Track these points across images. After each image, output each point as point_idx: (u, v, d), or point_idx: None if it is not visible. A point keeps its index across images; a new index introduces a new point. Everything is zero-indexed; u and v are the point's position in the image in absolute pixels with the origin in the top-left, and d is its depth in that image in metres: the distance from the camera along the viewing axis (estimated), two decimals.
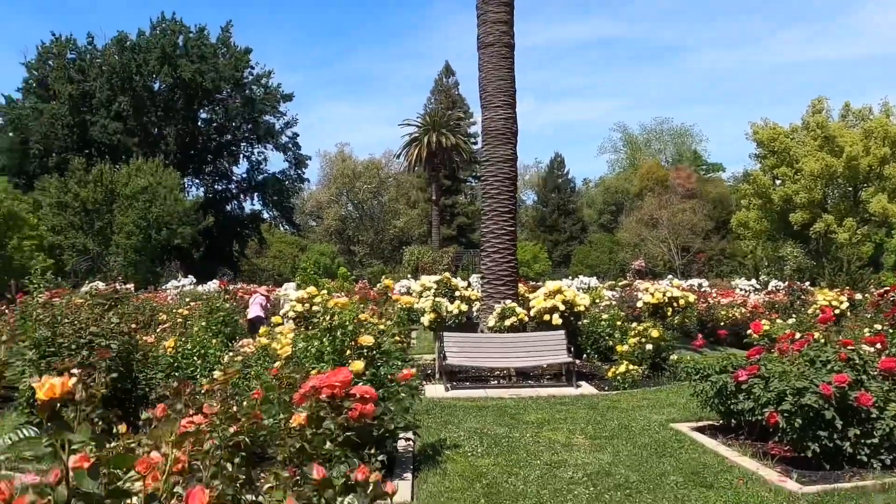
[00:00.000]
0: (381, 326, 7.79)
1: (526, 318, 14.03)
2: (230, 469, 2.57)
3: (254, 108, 61.01)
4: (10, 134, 55.23)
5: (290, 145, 65.63)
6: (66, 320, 7.61)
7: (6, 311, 17.08)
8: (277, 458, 3.32)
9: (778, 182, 52.52)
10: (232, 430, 2.96)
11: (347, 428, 3.56)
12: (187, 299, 23.35)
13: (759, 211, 53.32)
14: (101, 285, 21.09)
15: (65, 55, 56.14)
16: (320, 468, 2.28)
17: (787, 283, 27.18)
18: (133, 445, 2.17)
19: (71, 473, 1.50)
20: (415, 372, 6.80)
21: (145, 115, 56.64)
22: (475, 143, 67.60)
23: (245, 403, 3.71)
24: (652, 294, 16.36)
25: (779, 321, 15.79)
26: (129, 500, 1.65)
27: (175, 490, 1.82)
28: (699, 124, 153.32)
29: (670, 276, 29.91)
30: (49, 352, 7.32)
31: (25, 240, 37.96)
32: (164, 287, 33.62)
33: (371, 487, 2.62)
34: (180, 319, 15.24)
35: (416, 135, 57.97)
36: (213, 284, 31.15)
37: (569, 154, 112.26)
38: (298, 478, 2.95)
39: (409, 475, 6.74)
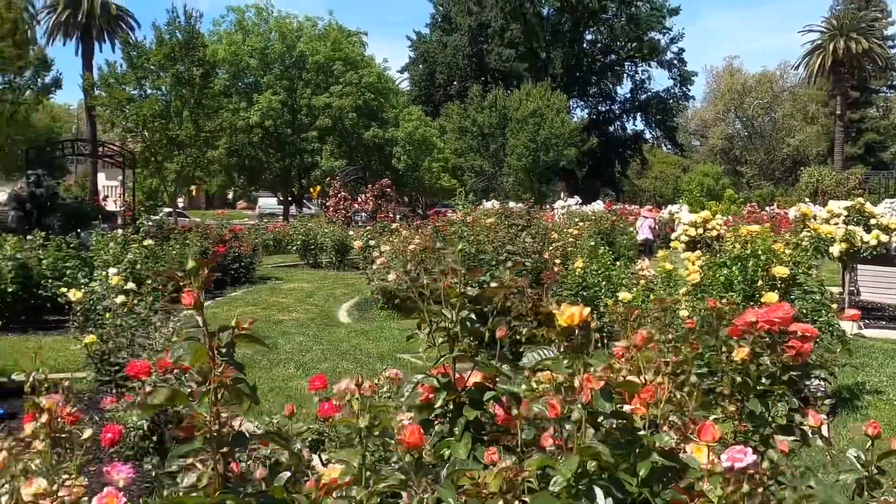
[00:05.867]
0: (791, 257, 7.28)
1: None
2: (678, 397, 2.61)
3: (639, 26, 59.87)
4: (420, 66, 61.70)
5: (675, 62, 63.37)
6: (486, 238, 8.42)
7: (421, 224, 19.55)
8: (716, 390, 3.32)
9: None
10: (673, 359, 3.02)
11: (786, 367, 3.42)
12: (576, 219, 24.29)
13: None
14: (496, 204, 22.87)
15: None
16: (814, 414, 2.21)
17: None
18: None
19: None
20: (858, 314, 6.05)
21: (534, 41, 58.97)
22: (893, 48, 58.49)
23: (676, 333, 3.75)
24: None
25: None
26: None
27: (670, 418, 1.92)
28: None
29: None
30: (472, 266, 8.17)
31: (434, 162, 42.56)
32: (551, 207, 35.34)
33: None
34: (571, 238, 15.88)
35: (820, 41, 51.99)
36: (597, 205, 31.84)
37: None
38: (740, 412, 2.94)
39: (823, 417, 6.31)
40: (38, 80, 26.03)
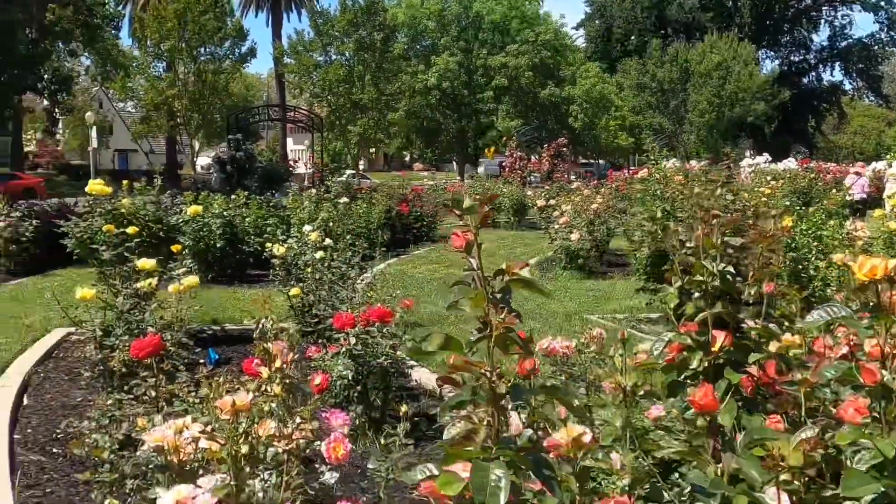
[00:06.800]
0: None
1: None
2: None
3: None
4: (597, 22, 59.93)
5: (882, 3, 57.38)
6: (681, 196, 7.99)
7: (598, 184, 19.09)
8: None
9: None
10: None
11: None
12: (767, 177, 22.71)
13: None
14: (676, 163, 21.82)
15: None
16: None
17: None
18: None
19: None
20: None
21: None
22: None
23: None
24: None
25: None
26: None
27: None
28: None
29: None
30: (666, 225, 7.80)
31: (612, 120, 41.45)
32: (737, 165, 33.34)
33: None
34: (763, 199, 14.83)
35: None
36: (788, 162, 29.82)
37: None
38: None
39: None
40: (236, 50, 27.82)
